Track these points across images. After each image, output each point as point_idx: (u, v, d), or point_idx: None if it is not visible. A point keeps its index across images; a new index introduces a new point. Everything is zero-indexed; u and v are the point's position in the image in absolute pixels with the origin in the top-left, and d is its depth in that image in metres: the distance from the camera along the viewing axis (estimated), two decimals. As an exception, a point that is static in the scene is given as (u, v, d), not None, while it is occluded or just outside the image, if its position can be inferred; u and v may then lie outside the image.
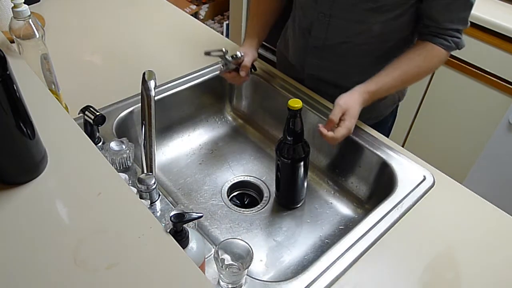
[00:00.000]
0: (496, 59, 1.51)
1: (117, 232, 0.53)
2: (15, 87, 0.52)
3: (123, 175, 0.80)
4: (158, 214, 0.76)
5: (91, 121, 0.83)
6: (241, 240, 0.67)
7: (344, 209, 0.99)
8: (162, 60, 1.19)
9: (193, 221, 0.69)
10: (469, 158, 1.70)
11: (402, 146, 1.12)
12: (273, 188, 1.02)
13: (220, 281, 0.67)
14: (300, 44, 1.08)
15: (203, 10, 2.94)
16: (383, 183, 0.92)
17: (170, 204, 0.79)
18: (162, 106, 1.07)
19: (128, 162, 0.86)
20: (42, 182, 0.58)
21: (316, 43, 1.02)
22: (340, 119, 0.86)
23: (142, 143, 0.77)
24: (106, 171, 0.61)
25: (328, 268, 0.70)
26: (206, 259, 0.68)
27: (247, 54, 1.01)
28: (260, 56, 1.11)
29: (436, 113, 1.76)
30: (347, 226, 0.95)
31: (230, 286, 0.67)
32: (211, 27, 1.43)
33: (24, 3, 0.79)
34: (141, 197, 0.74)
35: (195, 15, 2.87)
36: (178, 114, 1.13)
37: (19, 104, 0.53)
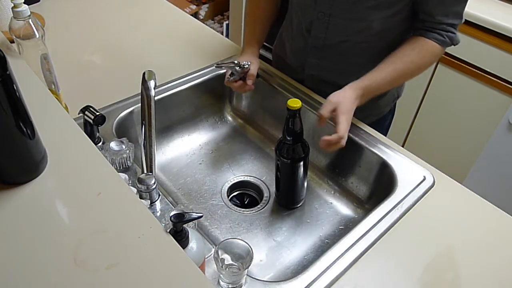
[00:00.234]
0: (496, 59, 1.51)
1: (117, 232, 0.53)
2: (15, 87, 0.52)
3: (123, 175, 0.80)
4: (158, 214, 0.76)
5: (91, 121, 0.83)
6: (241, 240, 0.67)
7: (344, 209, 0.99)
8: (162, 60, 1.19)
9: (193, 221, 0.69)
10: (469, 158, 1.70)
11: (402, 146, 1.12)
12: (273, 188, 1.02)
13: (220, 281, 0.67)
14: (299, 45, 1.08)
15: (203, 10, 2.94)
16: (383, 183, 0.92)
17: (170, 204, 0.79)
18: (162, 106, 1.07)
19: (128, 162, 0.86)
20: (42, 182, 0.58)
21: (316, 42, 1.02)
22: (333, 116, 0.86)
23: (142, 143, 0.77)
24: (106, 171, 0.61)
25: (328, 268, 0.70)
26: (206, 259, 0.68)
27: (252, 62, 1.02)
28: (260, 56, 1.11)
29: (436, 113, 1.76)
30: (347, 226, 0.95)
31: (230, 286, 0.67)
32: (211, 27, 1.43)
33: (24, 3, 0.78)
34: (141, 197, 0.74)
35: (195, 15, 2.87)
36: (178, 114, 1.13)
37: (19, 104, 0.53)
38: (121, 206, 0.57)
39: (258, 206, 1.00)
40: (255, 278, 0.69)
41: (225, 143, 1.16)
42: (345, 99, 0.87)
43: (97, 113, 0.83)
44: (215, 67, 1.00)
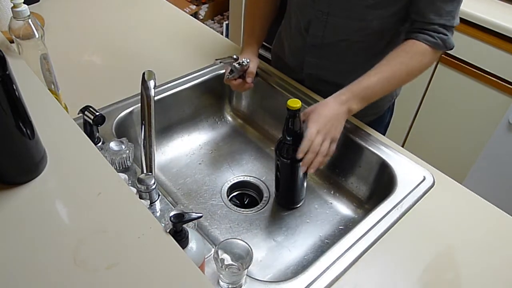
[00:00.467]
0: (496, 59, 1.51)
1: (117, 232, 0.53)
2: (14, 87, 0.52)
3: (123, 175, 0.80)
4: (158, 214, 0.76)
5: (90, 121, 0.83)
6: (241, 240, 0.67)
7: (344, 209, 0.99)
8: (162, 60, 1.19)
9: (193, 221, 0.69)
10: (469, 158, 1.70)
11: (402, 146, 1.12)
12: (273, 188, 1.02)
13: (220, 281, 0.67)
14: (298, 44, 1.08)
15: (203, 10, 2.94)
16: (383, 183, 0.92)
17: (170, 204, 0.79)
18: (162, 106, 1.07)
19: (127, 162, 0.86)
20: (42, 182, 0.58)
21: (314, 41, 1.02)
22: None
23: (142, 143, 0.77)
24: (106, 171, 0.61)
25: (328, 268, 0.70)
26: (206, 259, 0.68)
27: (252, 60, 1.02)
28: (259, 56, 1.11)
29: (436, 113, 1.76)
30: (347, 226, 0.95)
31: (230, 286, 0.67)
32: (210, 27, 1.43)
33: (24, 3, 0.78)
34: (140, 197, 0.74)
35: (195, 15, 2.87)
36: (178, 114, 1.13)
37: (18, 104, 0.53)
38: (121, 206, 0.57)
39: (258, 206, 1.00)
40: (255, 278, 0.69)
41: (224, 143, 1.16)
42: (320, 109, 0.85)
43: (97, 113, 0.83)
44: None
